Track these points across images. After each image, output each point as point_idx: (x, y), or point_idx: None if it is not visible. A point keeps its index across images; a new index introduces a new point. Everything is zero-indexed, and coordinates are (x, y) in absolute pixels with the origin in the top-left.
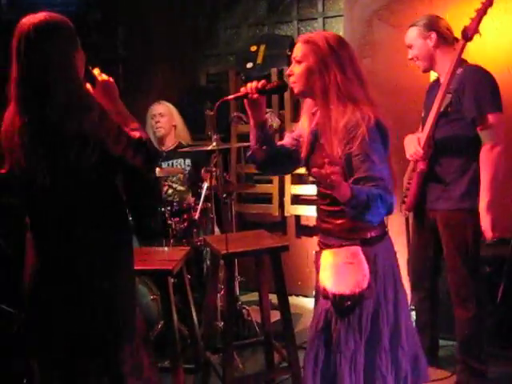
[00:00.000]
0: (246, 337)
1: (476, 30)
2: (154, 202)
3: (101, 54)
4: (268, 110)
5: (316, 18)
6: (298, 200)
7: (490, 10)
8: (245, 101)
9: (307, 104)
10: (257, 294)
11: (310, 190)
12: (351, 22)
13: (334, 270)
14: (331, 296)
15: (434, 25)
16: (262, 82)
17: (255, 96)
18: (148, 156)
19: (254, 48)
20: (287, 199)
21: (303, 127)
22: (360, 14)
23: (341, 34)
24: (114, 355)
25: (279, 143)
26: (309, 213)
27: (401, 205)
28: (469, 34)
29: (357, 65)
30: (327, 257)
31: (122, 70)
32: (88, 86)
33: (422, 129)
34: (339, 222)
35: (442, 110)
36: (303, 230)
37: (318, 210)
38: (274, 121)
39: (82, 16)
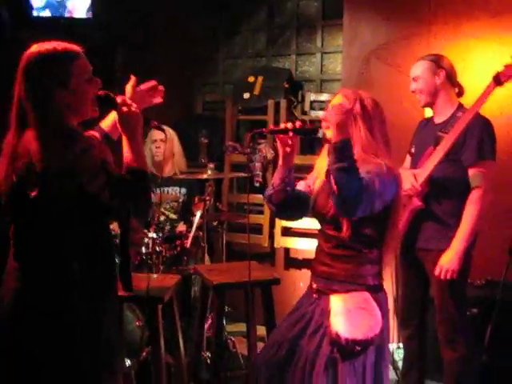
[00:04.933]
0: (231, 368)
1: (511, 77)
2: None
3: (98, 75)
4: (262, 141)
5: (314, 53)
6: (288, 232)
7: (482, 53)
8: (278, 142)
9: (326, 150)
10: (241, 324)
11: (300, 222)
12: (350, 59)
13: (347, 316)
14: (344, 341)
15: (444, 63)
16: (299, 122)
17: (291, 134)
18: (130, 202)
19: (251, 79)
20: (277, 231)
21: (319, 172)
22: (359, 52)
23: (338, 69)
24: None
25: (296, 188)
26: (298, 246)
27: None
28: (502, 79)
29: (385, 128)
30: (337, 302)
31: (119, 93)
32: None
33: (413, 164)
34: (345, 266)
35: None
36: (292, 263)
37: (320, 254)
38: (268, 152)
39: (82, 37)
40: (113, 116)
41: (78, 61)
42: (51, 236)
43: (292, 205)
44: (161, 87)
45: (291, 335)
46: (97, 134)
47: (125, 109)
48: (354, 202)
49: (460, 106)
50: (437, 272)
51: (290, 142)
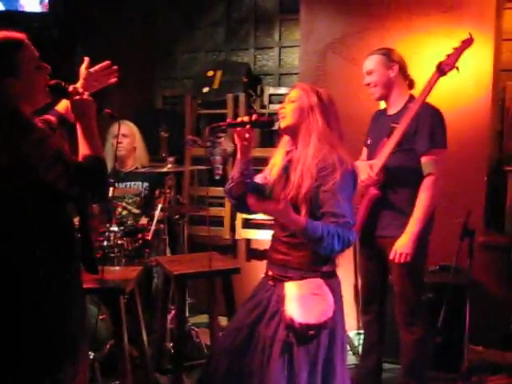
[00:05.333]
0: (195, 358)
1: (453, 66)
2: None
3: (58, 71)
4: (222, 134)
5: (272, 47)
6: (248, 224)
7: (433, 47)
8: (236, 135)
9: (283, 142)
10: (205, 316)
11: (260, 214)
12: (307, 53)
13: (301, 301)
14: (298, 325)
15: (396, 57)
16: (255, 115)
17: (248, 126)
18: (89, 189)
19: (210, 73)
20: (238, 223)
21: (275, 162)
22: (315, 46)
23: (296, 63)
24: (55, 375)
25: (254, 181)
26: (259, 236)
27: None
28: (445, 69)
29: (339, 122)
30: (291, 288)
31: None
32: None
33: (369, 155)
34: (300, 254)
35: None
36: (253, 254)
37: (276, 243)
38: (227, 145)
39: (39, 32)
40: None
41: (24, 48)
42: (13, 225)
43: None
44: (114, 67)
45: (249, 322)
46: (53, 118)
47: (77, 97)
48: (348, 244)
49: (411, 98)
50: (391, 256)
51: (247, 136)
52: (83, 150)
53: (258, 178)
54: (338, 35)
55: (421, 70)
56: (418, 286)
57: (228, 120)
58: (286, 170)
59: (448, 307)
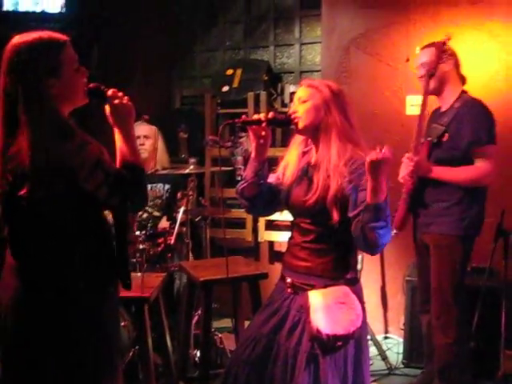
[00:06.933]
0: (219, 365)
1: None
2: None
3: None
4: (243, 134)
5: (293, 44)
6: (271, 226)
7: (462, 40)
8: (251, 133)
9: (297, 141)
10: (228, 320)
11: (283, 215)
12: (329, 50)
13: (327, 311)
14: (325, 337)
15: (453, 53)
16: (271, 113)
17: (264, 125)
18: (128, 198)
19: (230, 72)
20: (261, 225)
21: (289, 162)
22: (338, 42)
23: (317, 60)
24: None
25: (268, 182)
26: (282, 238)
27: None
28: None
29: (354, 114)
30: (316, 297)
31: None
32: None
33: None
34: (322, 260)
35: (434, 140)
36: (276, 256)
37: (295, 248)
38: (249, 145)
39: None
40: None
41: (66, 49)
42: (49, 233)
43: (264, 199)
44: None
45: (266, 331)
46: None
47: (116, 101)
48: (384, 244)
49: (462, 93)
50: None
51: (263, 134)
52: (122, 156)
53: (271, 178)
54: (362, 30)
55: None
56: (457, 287)
57: (243, 117)
58: (305, 171)
59: (482, 311)
